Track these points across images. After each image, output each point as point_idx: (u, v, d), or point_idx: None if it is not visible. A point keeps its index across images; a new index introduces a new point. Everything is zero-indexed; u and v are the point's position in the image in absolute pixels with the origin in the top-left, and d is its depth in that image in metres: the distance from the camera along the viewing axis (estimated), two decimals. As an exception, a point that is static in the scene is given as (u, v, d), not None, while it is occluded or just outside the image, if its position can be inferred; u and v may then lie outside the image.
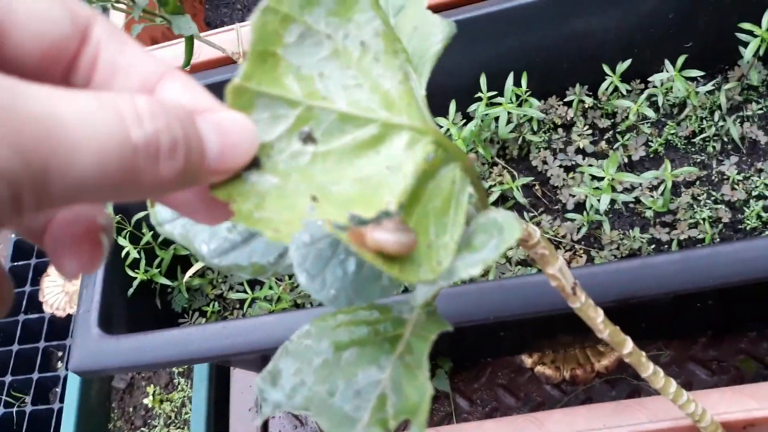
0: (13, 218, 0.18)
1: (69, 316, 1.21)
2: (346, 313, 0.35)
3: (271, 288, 0.74)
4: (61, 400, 1.11)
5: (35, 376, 1.16)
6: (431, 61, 0.34)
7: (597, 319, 0.42)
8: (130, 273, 0.74)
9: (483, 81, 0.74)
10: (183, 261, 0.79)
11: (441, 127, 0.76)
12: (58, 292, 1.23)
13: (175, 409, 1.12)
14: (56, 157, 0.18)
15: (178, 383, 1.13)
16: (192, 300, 0.79)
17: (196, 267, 0.76)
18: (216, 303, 0.78)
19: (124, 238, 0.74)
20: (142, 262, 0.74)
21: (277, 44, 0.25)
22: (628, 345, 0.44)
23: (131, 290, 0.73)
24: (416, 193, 0.27)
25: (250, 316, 0.76)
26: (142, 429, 1.12)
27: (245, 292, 0.75)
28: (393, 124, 0.27)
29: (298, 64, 0.26)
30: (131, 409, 1.15)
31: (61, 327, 1.20)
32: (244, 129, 0.24)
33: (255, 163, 0.24)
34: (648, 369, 0.45)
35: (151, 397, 1.12)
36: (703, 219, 0.70)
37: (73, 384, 1.06)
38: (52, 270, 1.25)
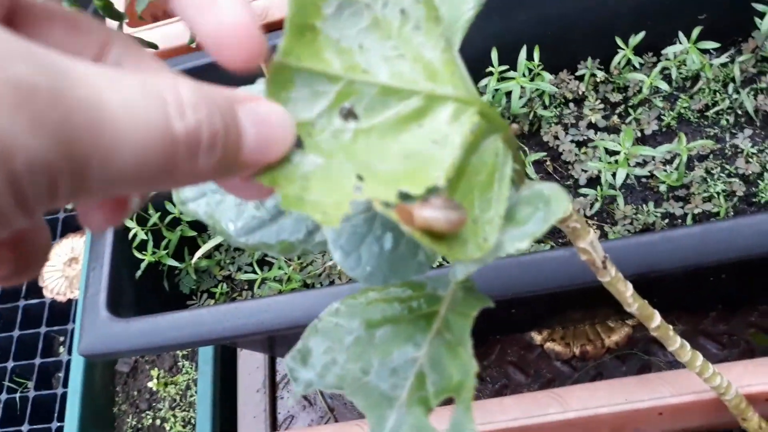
0: (46, 206, 0.18)
1: (70, 301, 1.20)
2: (377, 291, 0.34)
3: (280, 268, 0.73)
4: (65, 385, 1.10)
5: (37, 361, 1.15)
6: (463, 28, 0.33)
7: (627, 292, 0.41)
8: (138, 255, 0.72)
9: (494, 55, 0.73)
10: (190, 242, 0.78)
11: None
12: (58, 277, 1.22)
13: (180, 392, 1.11)
14: (99, 149, 0.17)
15: (183, 366, 1.12)
16: (200, 281, 0.78)
17: (205, 248, 0.75)
18: (224, 284, 0.77)
19: (132, 219, 0.72)
20: (150, 244, 0.73)
21: (315, 16, 0.24)
22: (656, 318, 0.43)
23: (139, 272, 0.72)
24: (460, 168, 0.26)
25: (259, 296, 0.75)
26: (147, 412, 1.11)
27: (254, 272, 0.74)
28: (437, 95, 0.26)
29: (337, 37, 0.25)
30: (135, 393, 1.14)
31: (61, 312, 1.19)
32: (282, 121, 0.23)
33: (297, 144, 0.24)
34: (675, 342, 0.45)
35: (155, 381, 1.11)
36: (717, 193, 0.69)
37: (77, 369, 1.05)
38: (51, 254, 1.23)
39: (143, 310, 0.67)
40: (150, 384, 1.12)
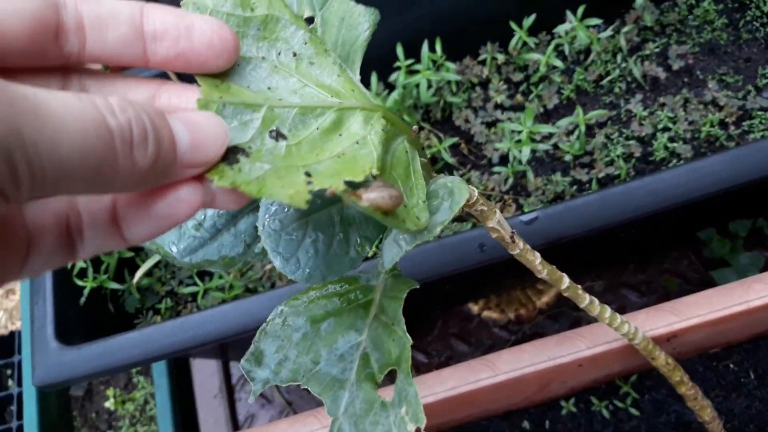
0: (12, 193, 0.20)
1: (12, 333, 1.18)
2: (316, 290, 0.39)
3: (221, 277, 0.76)
4: (19, 418, 1.09)
5: (-13, 397, 1.13)
6: (362, 47, 0.37)
7: (535, 261, 0.46)
8: (79, 282, 0.74)
9: (400, 51, 0.77)
10: (129, 263, 0.80)
11: (365, 99, 0.78)
12: (-3, 311, 1.20)
13: (139, 407, 1.12)
14: (44, 132, 0.20)
15: (138, 382, 1.13)
16: (144, 299, 0.80)
17: (144, 267, 0.77)
18: (168, 299, 0.79)
19: (66, 248, 0.73)
20: (89, 270, 0.74)
21: (218, 76, 0.28)
22: (565, 281, 0.48)
23: (83, 299, 0.74)
24: (381, 165, 0.31)
25: (204, 307, 0.77)
26: (108, 432, 1.12)
27: (195, 284, 0.76)
28: (346, 107, 0.31)
29: (246, 85, 0.29)
30: (94, 415, 1.14)
31: (4, 345, 1.18)
32: (214, 124, 0.26)
33: (244, 153, 0.27)
34: (585, 300, 0.50)
35: (112, 400, 1.12)
36: (617, 156, 0.75)
37: (30, 400, 1.04)
38: (-13, 289, 1.22)
39: (92, 335, 0.68)
40: (107, 404, 1.13)
